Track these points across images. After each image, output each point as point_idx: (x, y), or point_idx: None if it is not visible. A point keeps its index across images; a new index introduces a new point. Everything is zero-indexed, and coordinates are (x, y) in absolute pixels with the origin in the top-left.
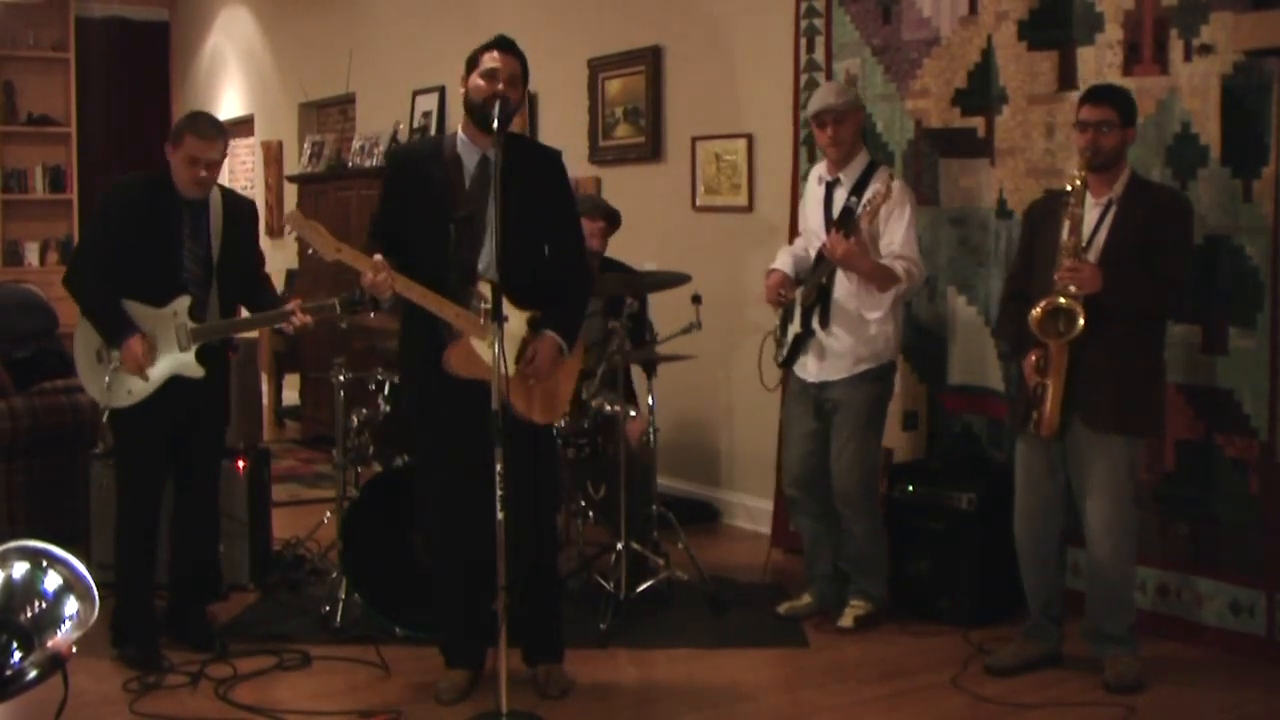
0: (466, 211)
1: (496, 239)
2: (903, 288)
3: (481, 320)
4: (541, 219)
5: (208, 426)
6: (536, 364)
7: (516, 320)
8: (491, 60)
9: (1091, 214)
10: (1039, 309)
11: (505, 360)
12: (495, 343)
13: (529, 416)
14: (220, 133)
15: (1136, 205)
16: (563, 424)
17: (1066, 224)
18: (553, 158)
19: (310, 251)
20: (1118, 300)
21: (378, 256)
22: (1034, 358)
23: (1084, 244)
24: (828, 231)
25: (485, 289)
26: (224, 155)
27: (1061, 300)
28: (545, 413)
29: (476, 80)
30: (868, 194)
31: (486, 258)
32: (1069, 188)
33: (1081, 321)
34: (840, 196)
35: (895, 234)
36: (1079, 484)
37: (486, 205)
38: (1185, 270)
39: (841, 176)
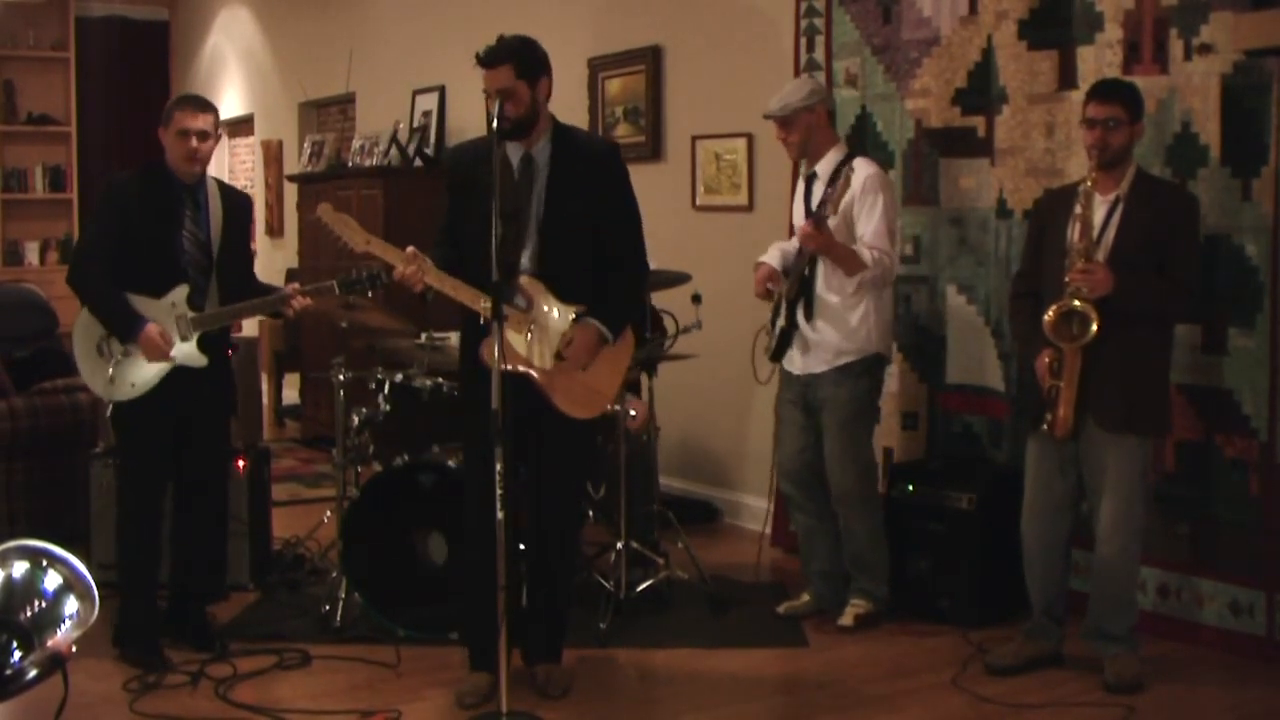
0: (510, 208)
1: (497, 234)
2: (869, 274)
3: (518, 312)
4: (590, 214)
5: (210, 420)
6: (573, 350)
7: (561, 315)
8: (484, 82)
9: (1099, 211)
10: (1052, 312)
11: (505, 357)
12: (496, 344)
13: (568, 411)
14: (208, 107)
15: (1144, 203)
16: None
17: (1077, 226)
18: (606, 152)
19: (340, 244)
20: (1131, 302)
21: (410, 248)
22: (1047, 359)
23: (1094, 243)
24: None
25: (527, 283)
26: (214, 130)
27: (1076, 304)
28: (584, 407)
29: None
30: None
31: (530, 253)
32: (1080, 188)
33: (1095, 326)
34: (818, 190)
35: (867, 225)
36: (1092, 484)
37: (530, 202)
38: (1198, 270)
39: (818, 170)
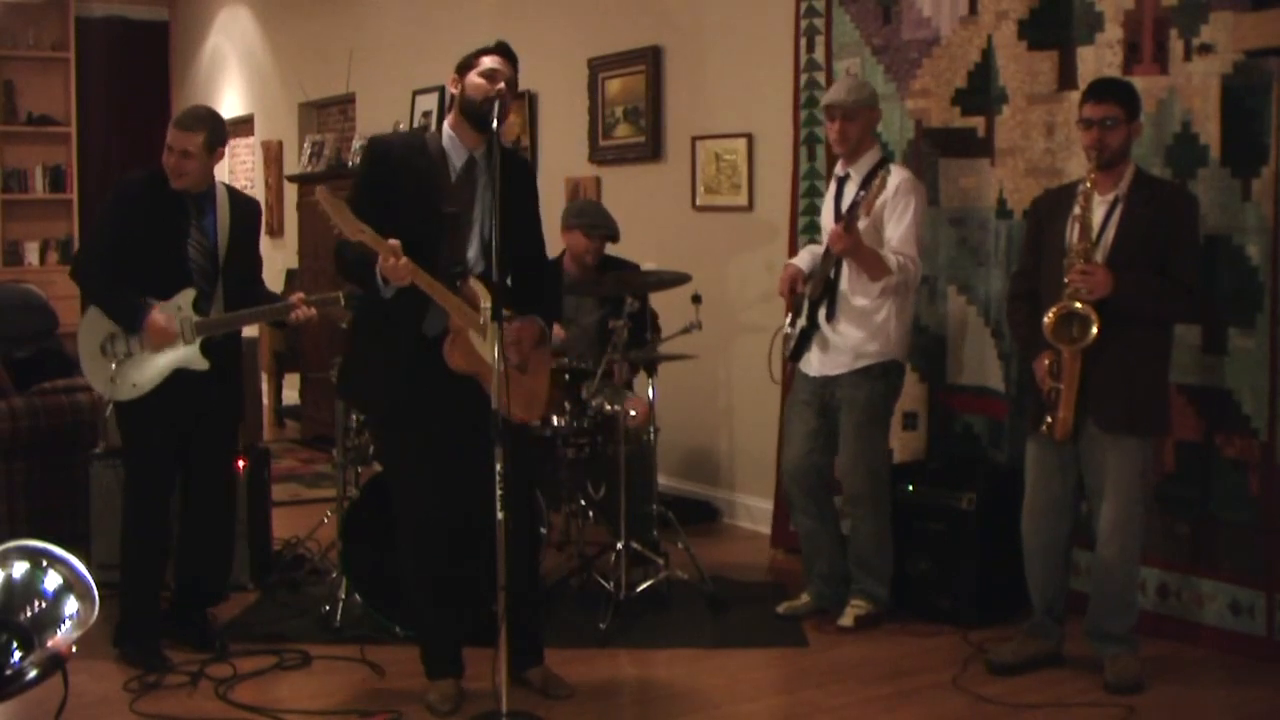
0: (454, 208)
1: (496, 237)
2: (894, 280)
3: (482, 317)
4: (517, 220)
5: (215, 424)
6: (519, 338)
7: (518, 322)
8: (492, 62)
9: (1098, 211)
10: (1052, 314)
11: (504, 359)
12: (495, 343)
13: (516, 413)
14: (196, 125)
15: (1143, 203)
16: (559, 423)
17: (1076, 228)
18: (523, 162)
19: (336, 233)
20: (1131, 304)
21: (394, 241)
22: (1046, 361)
23: (1093, 244)
24: (836, 220)
25: (475, 285)
26: (201, 150)
27: (1076, 306)
28: (526, 409)
29: (475, 79)
30: (879, 198)
31: (474, 253)
32: (1080, 188)
33: (1095, 329)
34: (850, 191)
35: (895, 230)
36: (1093, 485)
37: (474, 203)
38: (1197, 270)
39: (852, 172)
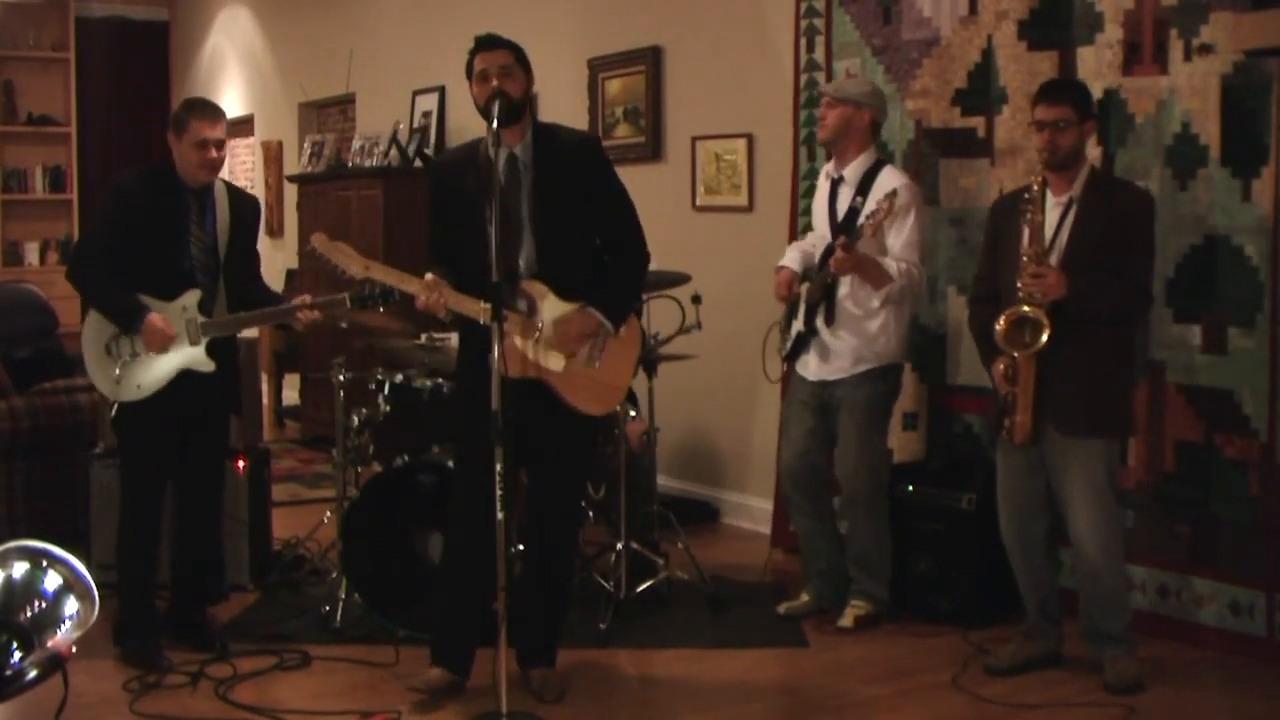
0: (501, 212)
1: (496, 233)
2: (895, 286)
3: (524, 318)
4: (582, 207)
5: (214, 423)
6: (564, 331)
7: (565, 313)
8: (479, 63)
9: (1052, 214)
10: (1003, 320)
11: (505, 360)
12: (495, 342)
13: (584, 409)
14: (222, 114)
15: (1098, 204)
16: None
17: (1026, 231)
18: (587, 142)
19: (341, 273)
20: (1085, 306)
21: (430, 276)
22: (1002, 366)
23: (1046, 247)
24: (831, 227)
25: (530, 287)
26: (225, 136)
27: (1025, 309)
28: (599, 404)
29: (474, 88)
30: (870, 206)
31: (527, 256)
32: (1026, 193)
33: (1046, 335)
34: (844, 195)
35: (897, 239)
36: (1058, 488)
37: (520, 203)
38: (1151, 270)
39: (845, 174)
